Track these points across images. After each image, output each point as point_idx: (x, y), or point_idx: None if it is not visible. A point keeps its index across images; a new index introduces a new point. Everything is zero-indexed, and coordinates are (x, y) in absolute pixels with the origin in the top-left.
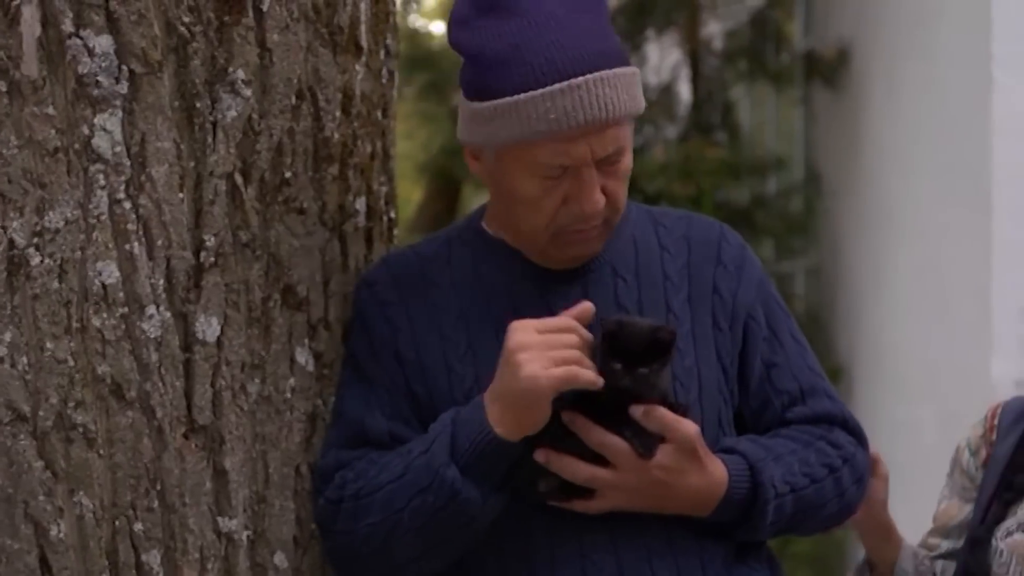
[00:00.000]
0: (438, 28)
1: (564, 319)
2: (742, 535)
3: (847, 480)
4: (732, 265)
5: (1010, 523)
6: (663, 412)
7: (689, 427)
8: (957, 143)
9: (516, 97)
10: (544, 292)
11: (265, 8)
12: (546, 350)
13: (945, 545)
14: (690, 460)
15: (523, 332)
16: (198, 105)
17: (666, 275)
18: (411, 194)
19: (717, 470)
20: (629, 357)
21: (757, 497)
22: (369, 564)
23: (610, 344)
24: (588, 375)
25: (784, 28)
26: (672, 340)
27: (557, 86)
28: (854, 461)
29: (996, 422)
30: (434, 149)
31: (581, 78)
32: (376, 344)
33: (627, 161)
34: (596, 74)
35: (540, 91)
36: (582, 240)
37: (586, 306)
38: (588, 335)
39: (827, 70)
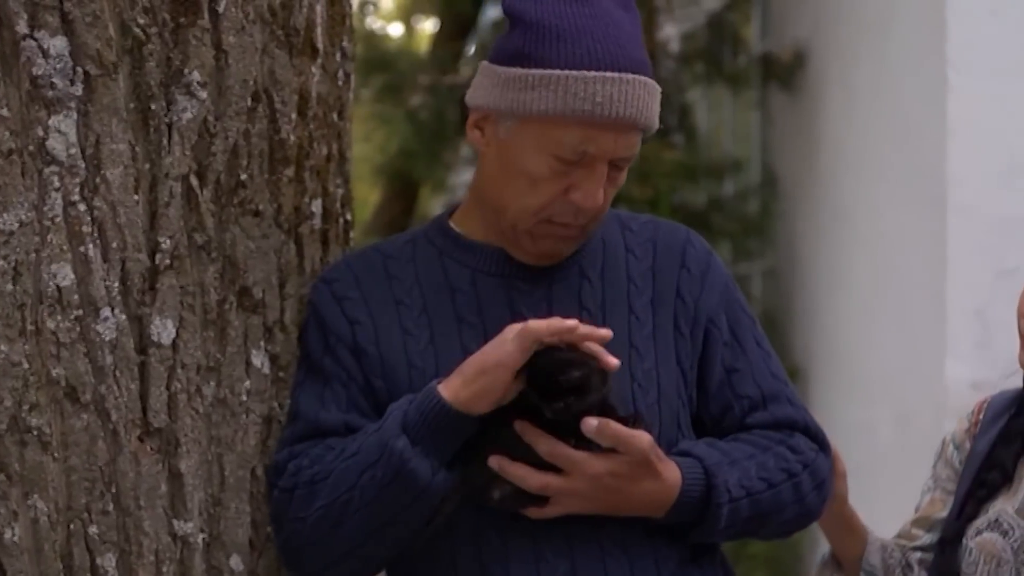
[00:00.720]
0: (396, 30)
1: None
2: (697, 537)
3: (807, 486)
4: (696, 270)
5: (981, 521)
6: (616, 428)
7: (642, 440)
8: (912, 145)
9: (567, 72)
10: (509, 289)
11: (221, 10)
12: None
13: (927, 538)
14: (644, 468)
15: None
16: (153, 107)
17: (630, 278)
18: (368, 196)
19: (671, 474)
20: (542, 391)
21: (711, 500)
22: (318, 552)
23: (527, 374)
24: (567, 324)
25: (741, 31)
26: (581, 383)
27: (610, 74)
28: (814, 467)
29: (980, 417)
30: (391, 151)
31: (631, 75)
32: (331, 340)
33: (625, 174)
34: (642, 78)
35: (593, 73)
36: (560, 237)
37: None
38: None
39: (783, 73)
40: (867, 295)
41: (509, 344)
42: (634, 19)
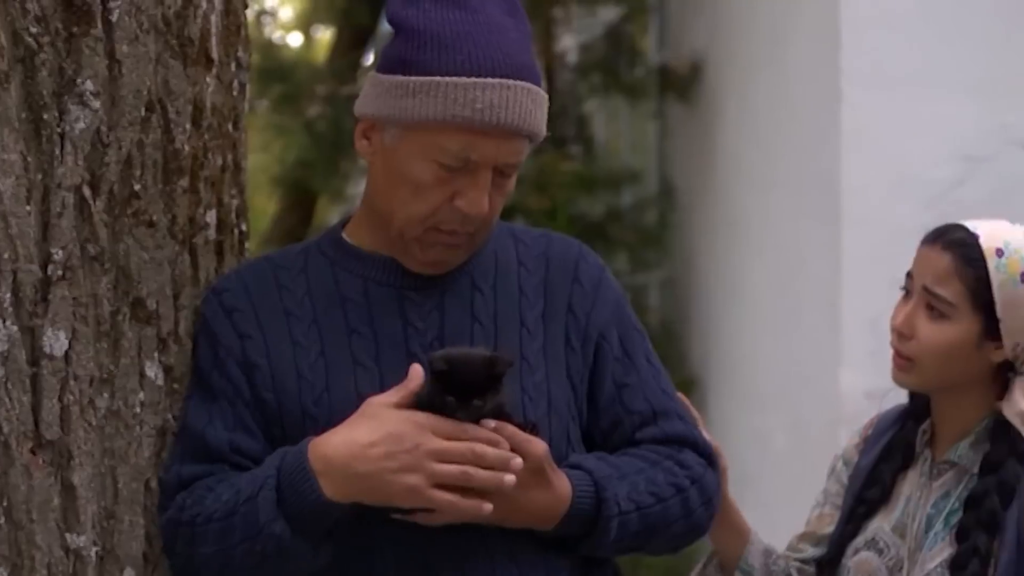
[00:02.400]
0: (295, 40)
1: (477, 435)
2: (586, 550)
3: (695, 501)
4: (589, 285)
5: (859, 540)
6: (513, 431)
7: (538, 446)
8: (808, 156)
9: (448, 78)
10: (401, 300)
11: (114, 19)
12: (433, 459)
13: (811, 552)
14: (536, 477)
15: (419, 432)
16: (46, 116)
17: (522, 291)
18: (266, 207)
19: (562, 486)
20: (463, 391)
21: (600, 514)
22: None
23: (443, 382)
24: (469, 510)
25: (638, 42)
26: (507, 369)
27: (491, 80)
28: (703, 482)
29: (869, 432)
30: (289, 161)
31: (513, 81)
32: (221, 354)
33: (513, 182)
34: (525, 84)
35: (473, 79)
36: (448, 245)
37: (416, 370)
38: (489, 442)
39: (680, 84)
40: (763, 305)
41: (420, 502)
42: (521, 25)
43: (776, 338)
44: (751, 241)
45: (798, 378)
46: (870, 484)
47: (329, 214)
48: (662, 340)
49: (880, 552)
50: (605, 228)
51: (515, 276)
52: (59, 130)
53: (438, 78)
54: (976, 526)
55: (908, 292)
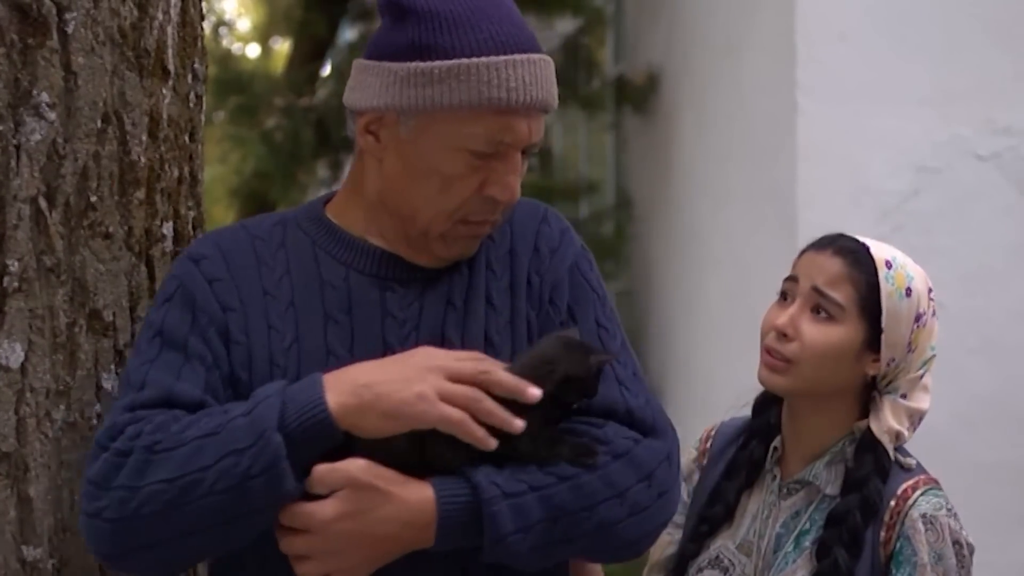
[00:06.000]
0: (253, 51)
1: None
2: (496, 554)
3: (625, 478)
4: (546, 249)
5: (702, 559)
6: (316, 471)
7: (349, 466)
8: (764, 168)
9: (475, 59)
10: (383, 290)
11: (70, 31)
12: (454, 379)
13: None
14: (368, 497)
15: (440, 356)
16: (1, 128)
17: (488, 264)
18: (224, 218)
19: (414, 491)
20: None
21: (480, 498)
22: (136, 531)
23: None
24: (478, 433)
25: (595, 54)
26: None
27: (518, 56)
28: (633, 456)
29: (708, 446)
30: (246, 173)
31: (535, 55)
32: (202, 320)
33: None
34: (542, 56)
35: (503, 57)
36: (476, 235)
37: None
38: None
39: (637, 96)
40: (720, 315)
41: (429, 411)
42: None
43: (734, 348)
44: (708, 252)
45: (756, 389)
46: (713, 502)
47: None
48: None
49: (725, 571)
50: None
51: (483, 249)
52: (15, 142)
53: (464, 60)
54: (837, 543)
55: (786, 296)
